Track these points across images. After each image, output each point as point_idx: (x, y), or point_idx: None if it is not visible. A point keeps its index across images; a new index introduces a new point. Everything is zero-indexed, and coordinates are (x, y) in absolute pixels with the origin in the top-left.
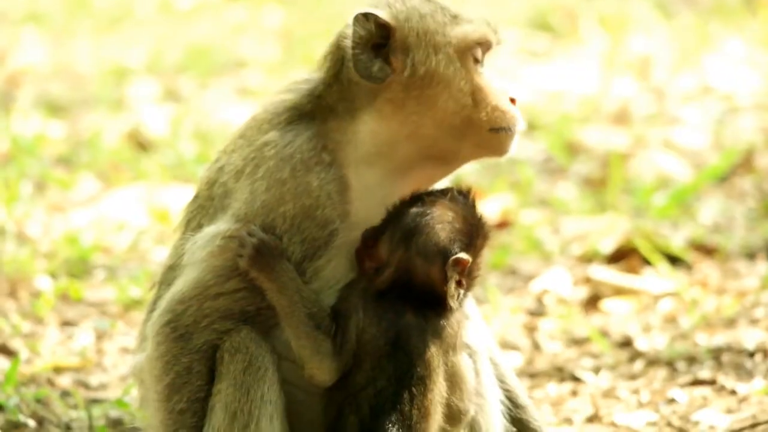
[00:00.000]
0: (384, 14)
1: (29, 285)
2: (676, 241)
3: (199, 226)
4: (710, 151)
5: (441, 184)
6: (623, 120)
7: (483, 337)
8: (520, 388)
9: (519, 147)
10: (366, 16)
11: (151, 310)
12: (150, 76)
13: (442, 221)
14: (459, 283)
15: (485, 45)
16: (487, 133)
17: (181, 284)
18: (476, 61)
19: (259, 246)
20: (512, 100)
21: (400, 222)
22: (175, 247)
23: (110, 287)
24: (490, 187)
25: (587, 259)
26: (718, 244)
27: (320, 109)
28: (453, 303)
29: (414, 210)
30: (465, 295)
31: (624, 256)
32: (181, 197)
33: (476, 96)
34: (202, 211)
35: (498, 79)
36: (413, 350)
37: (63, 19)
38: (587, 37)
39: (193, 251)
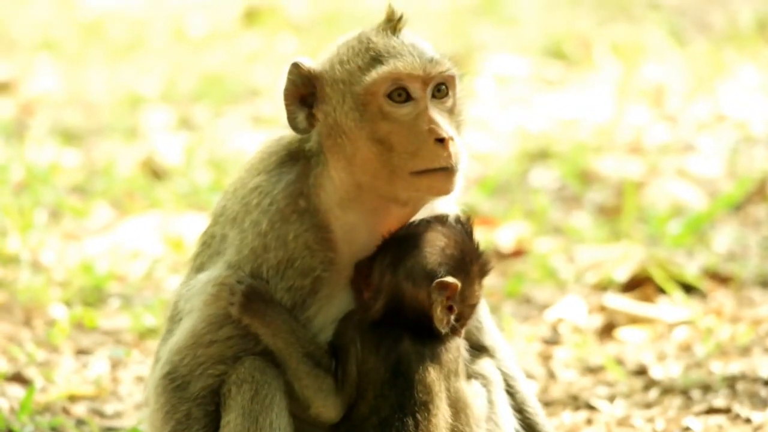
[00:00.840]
0: (309, 63)
1: (44, 313)
2: (691, 269)
3: (201, 265)
4: (724, 180)
5: (446, 208)
6: (637, 148)
7: (509, 363)
8: (542, 416)
9: (534, 175)
10: (294, 66)
11: (156, 362)
12: (164, 104)
13: (432, 246)
14: (450, 309)
15: (409, 80)
16: (410, 177)
17: (178, 335)
18: (400, 98)
19: (248, 292)
20: (442, 139)
21: (391, 248)
22: (176, 292)
23: (125, 316)
24: (505, 215)
25: (602, 287)
26: (732, 272)
27: (304, 151)
28: (441, 328)
29: (405, 236)
30: (460, 322)
31: (639, 284)
32: (195, 225)
33: (387, 142)
34: (206, 249)
35: (445, 114)
36: (414, 376)
37: (77, 47)
38: (601, 65)
39: (188, 298)
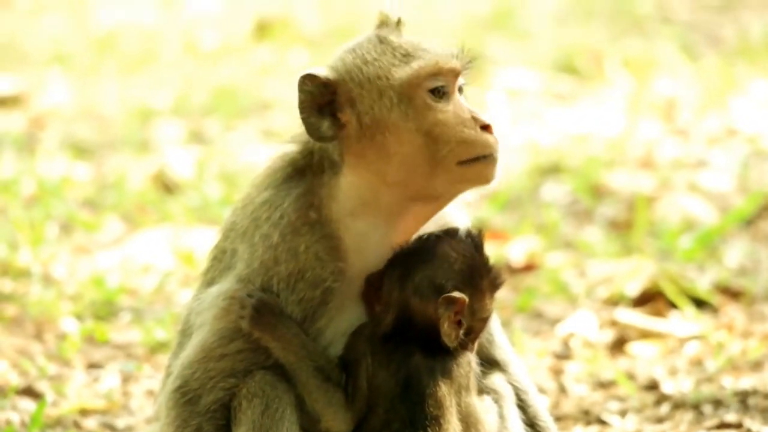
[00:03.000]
0: (324, 72)
1: (55, 327)
2: (702, 284)
3: (212, 280)
4: (736, 194)
5: (458, 222)
6: (649, 163)
7: (521, 377)
8: (553, 430)
9: (545, 190)
10: (307, 78)
11: (167, 376)
12: (175, 117)
13: (440, 260)
14: (459, 323)
15: (447, 74)
16: (457, 168)
17: (189, 349)
18: (438, 94)
19: (259, 306)
20: (485, 126)
21: (400, 261)
22: (187, 306)
23: (136, 329)
24: (516, 229)
25: (613, 302)
26: (743, 287)
27: (311, 165)
28: (450, 342)
29: (415, 249)
30: (470, 336)
31: (650, 299)
32: (206, 239)
33: (434, 133)
34: (216, 263)
35: (480, 105)
36: (425, 390)
37: (88, 60)
38: (612, 79)
39: (199, 312)
